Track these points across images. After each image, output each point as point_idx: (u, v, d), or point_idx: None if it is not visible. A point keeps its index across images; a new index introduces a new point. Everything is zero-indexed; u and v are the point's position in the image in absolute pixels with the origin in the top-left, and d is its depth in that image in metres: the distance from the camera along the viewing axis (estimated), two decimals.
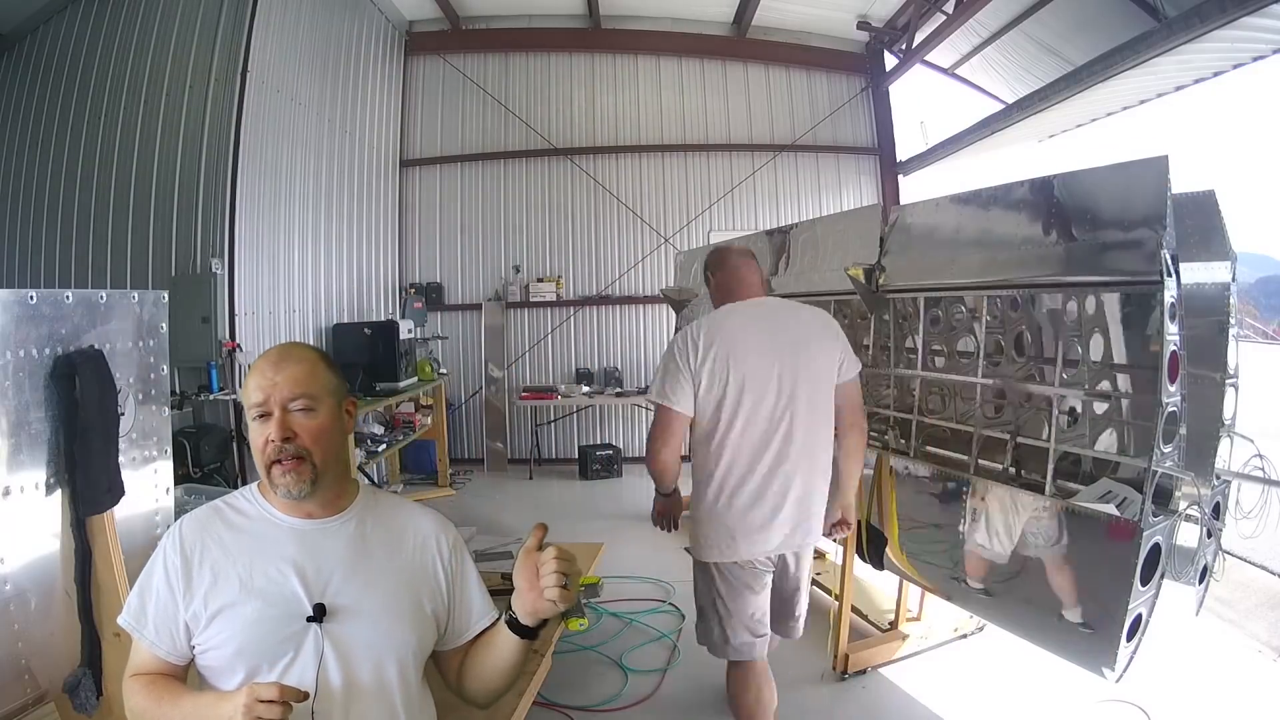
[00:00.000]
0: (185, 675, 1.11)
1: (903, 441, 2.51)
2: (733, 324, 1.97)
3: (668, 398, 1.93)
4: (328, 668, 1.04)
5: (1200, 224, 2.07)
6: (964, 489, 2.23)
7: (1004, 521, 2.09)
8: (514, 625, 1.09)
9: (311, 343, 4.79)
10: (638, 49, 6.79)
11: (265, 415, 1.09)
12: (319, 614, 1.05)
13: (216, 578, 1.07)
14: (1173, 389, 1.68)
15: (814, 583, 3.47)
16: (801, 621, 2.12)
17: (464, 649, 1.22)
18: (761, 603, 1.99)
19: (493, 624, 1.19)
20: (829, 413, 1.98)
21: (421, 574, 1.17)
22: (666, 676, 2.77)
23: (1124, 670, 1.78)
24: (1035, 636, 2.11)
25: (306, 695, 0.96)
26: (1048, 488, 1.92)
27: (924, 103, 8.06)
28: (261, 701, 0.91)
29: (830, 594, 2.91)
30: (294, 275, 4.85)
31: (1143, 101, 5.20)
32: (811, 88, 6.91)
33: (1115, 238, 1.80)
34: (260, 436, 1.09)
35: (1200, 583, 1.95)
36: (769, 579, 2.00)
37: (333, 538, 1.14)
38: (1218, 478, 2.02)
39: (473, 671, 1.18)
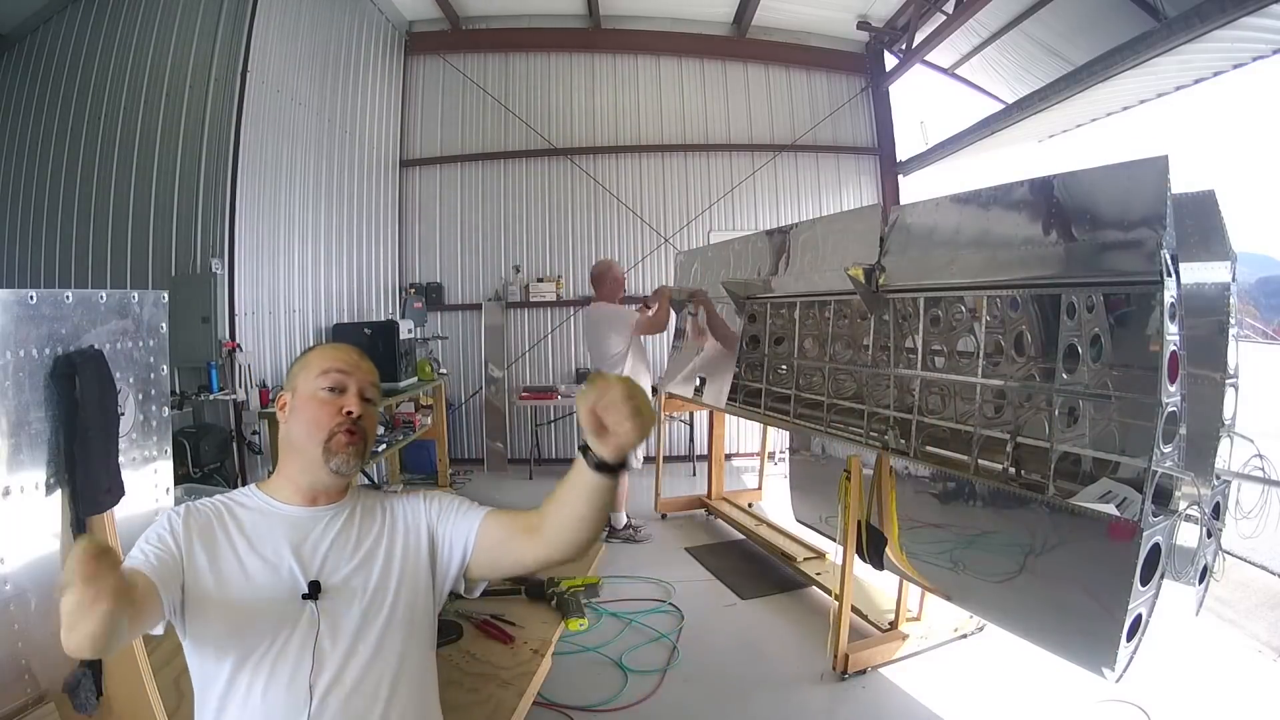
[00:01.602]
0: (150, 597, 1.01)
1: (903, 441, 2.51)
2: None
3: None
4: (323, 643, 1.08)
5: (1200, 224, 2.06)
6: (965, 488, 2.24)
7: None
8: (600, 466, 1.04)
9: (311, 343, 4.82)
10: (637, 49, 6.78)
11: (339, 389, 1.20)
12: (314, 591, 1.10)
13: (216, 554, 1.12)
14: (1173, 389, 1.68)
15: (814, 583, 3.50)
16: None
17: (510, 526, 1.20)
18: None
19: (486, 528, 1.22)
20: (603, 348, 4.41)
21: (406, 531, 1.23)
22: (666, 677, 2.77)
23: (1124, 670, 1.78)
24: (1035, 636, 2.11)
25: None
26: (1049, 488, 1.93)
27: (924, 103, 8.06)
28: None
29: (830, 594, 2.91)
30: (294, 275, 4.85)
31: (1143, 101, 5.20)
32: (811, 88, 6.90)
33: (1115, 238, 1.80)
34: (330, 407, 1.19)
35: (1200, 583, 1.95)
36: None
37: (326, 524, 1.20)
38: (1218, 478, 2.02)
39: (555, 523, 1.15)
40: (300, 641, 1.07)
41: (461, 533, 1.23)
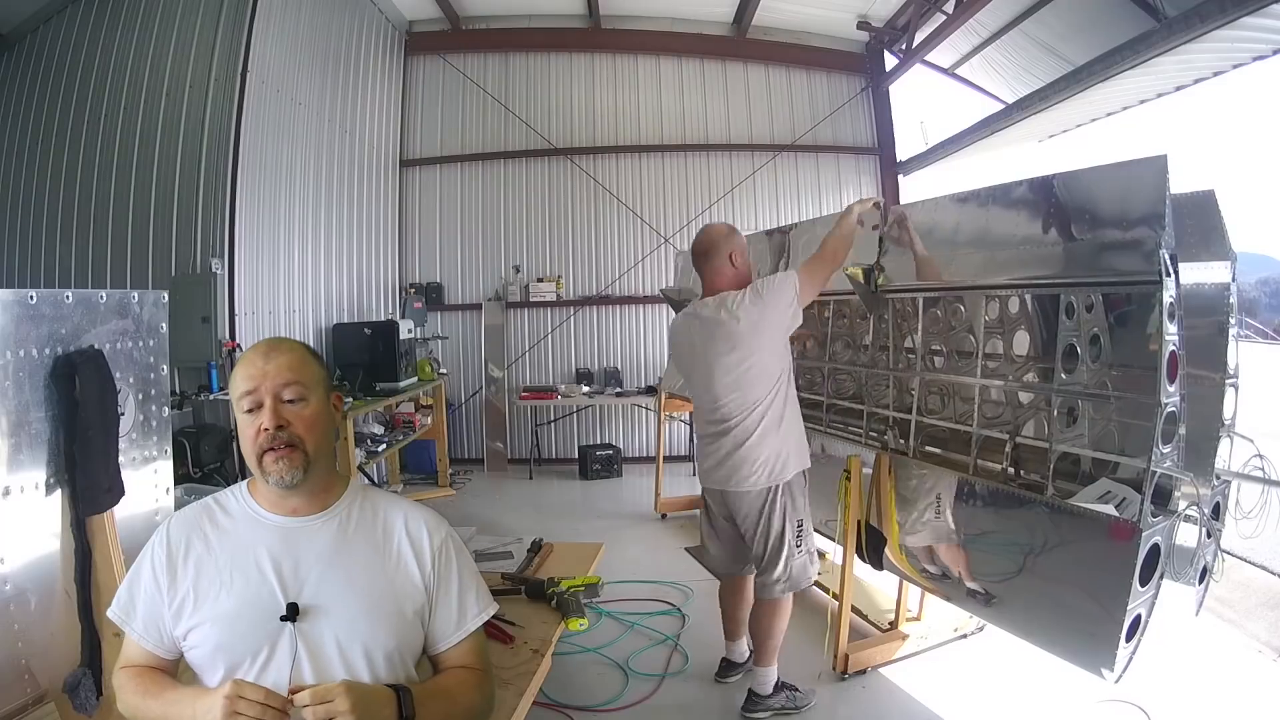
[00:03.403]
0: (175, 670, 1.13)
1: (902, 441, 2.51)
2: None
3: None
4: (301, 667, 1.04)
5: (1200, 224, 2.06)
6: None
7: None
8: None
9: (311, 343, 4.81)
10: (638, 49, 6.78)
11: (256, 407, 1.10)
12: (292, 613, 1.05)
13: (199, 575, 1.09)
14: (1172, 389, 1.67)
15: (814, 582, 3.48)
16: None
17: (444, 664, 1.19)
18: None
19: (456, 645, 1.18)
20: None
21: (402, 576, 1.15)
22: (667, 678, 2.77)
23: (1123, 670, 1.78)
24: (1035, 637, 2.11)
25: (289, 706, 0.96)
26: (1048, 488, 1.93)
27: (924, 103, 8.06)
28: (243, 698, 0.93)
29: (830, 594, 2.91)
30: (294, 275, 4.85)
31: (1143, 101, 5.20)
32: (811, 88, 6.90)
33: (1114, 237, 1.80)
34: (251, 427, 1.09)
35: (1200, 583, 1.94)
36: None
37: (314, 536, 1.13)
38: (1217, 478, 2.02)
39: None
40: (278, 666, 1.04)
41: (436, 639, 1.18)
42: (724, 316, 2.33)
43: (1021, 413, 2.09)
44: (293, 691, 0.98)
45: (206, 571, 1.09)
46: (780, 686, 2.53)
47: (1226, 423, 2.06)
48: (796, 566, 2.42)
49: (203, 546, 1.11)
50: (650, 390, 5.94)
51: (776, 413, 2.35)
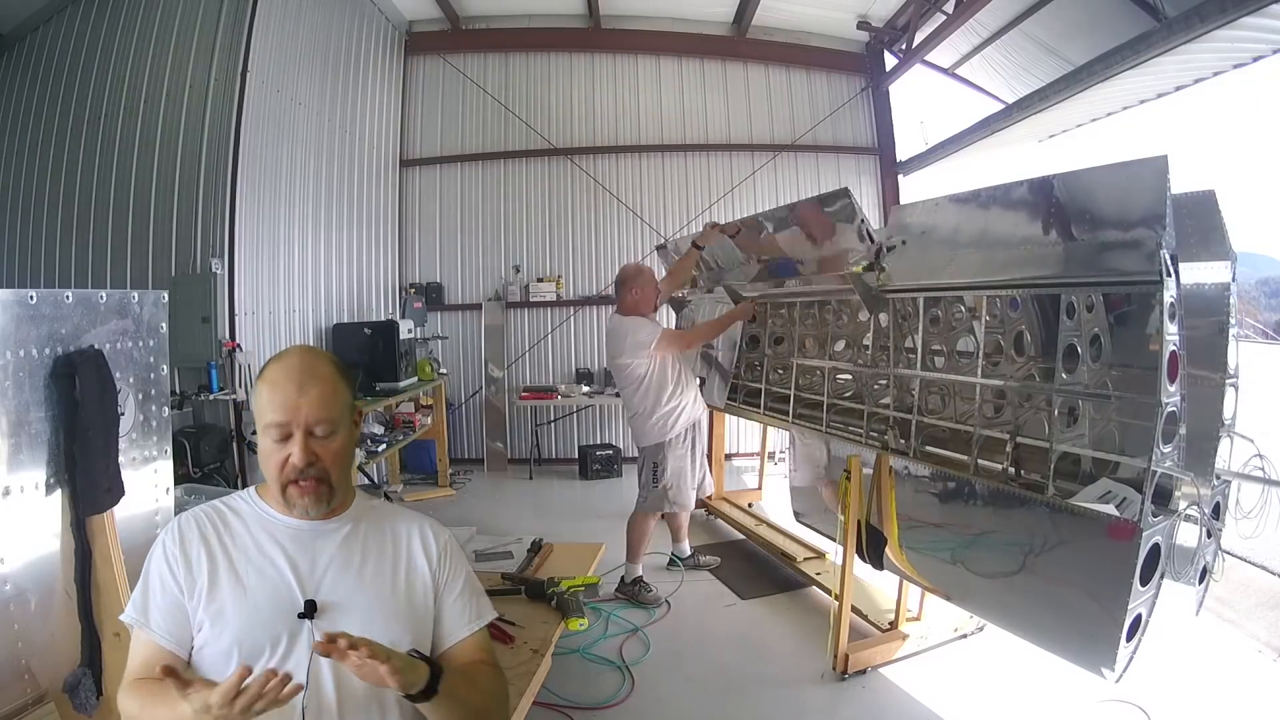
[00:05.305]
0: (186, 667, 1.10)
1: (902, 441, 2.51)
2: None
3: None
4: (319, 664, 1.05)
5: (1200, 224, 2.06)
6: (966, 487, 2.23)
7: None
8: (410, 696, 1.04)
9: (311, 343, 4.81)
10: (638, 49, 6.78)
11: (285, 438, 1.09)
12: (310, 610, 1.06)
13: (214, 570, 1.09)
14: (1172, 389, 1.67)
15: (814, 583, 3.50)
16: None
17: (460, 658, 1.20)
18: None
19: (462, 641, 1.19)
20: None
21: (412, 575, 1.18)
22: (667, 676, 2.77)
23: (1124, 670, 1.78)
24: (1035, 636, 2.11)
25: (289, 682, 0.93)
26: (1049, 488, 1.92)
27: (924, 103, 8.07)
28: (240, 695, 0.90)
29: (830, 594, 2.91)
30: (294, 275, 4.85)
31: (1143, 101, 5.20)
32: (811, 88, 6.91)
33: (1115, 237, 1.80)
34: (278, 455, 1.10)
35: (1200, 583, 1.94)
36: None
37: (327, 537, 1.15)
38: (1218, 478, 2.02)
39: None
40: (296, 663, 1.04)
41: (441, 637, 1.19)
42: (615, 328, 3.54)
43: (1022, 413, 2.09)
44: (337, 639, 0.95)
45: (220, 568, 1.09)
46: (637, 580, 3.50)
47: (1226, 423, 2.06)
48: (653, 495, 3.51)
49: (215, 540, 1.12)
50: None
51: (644, 401, 3.46)
